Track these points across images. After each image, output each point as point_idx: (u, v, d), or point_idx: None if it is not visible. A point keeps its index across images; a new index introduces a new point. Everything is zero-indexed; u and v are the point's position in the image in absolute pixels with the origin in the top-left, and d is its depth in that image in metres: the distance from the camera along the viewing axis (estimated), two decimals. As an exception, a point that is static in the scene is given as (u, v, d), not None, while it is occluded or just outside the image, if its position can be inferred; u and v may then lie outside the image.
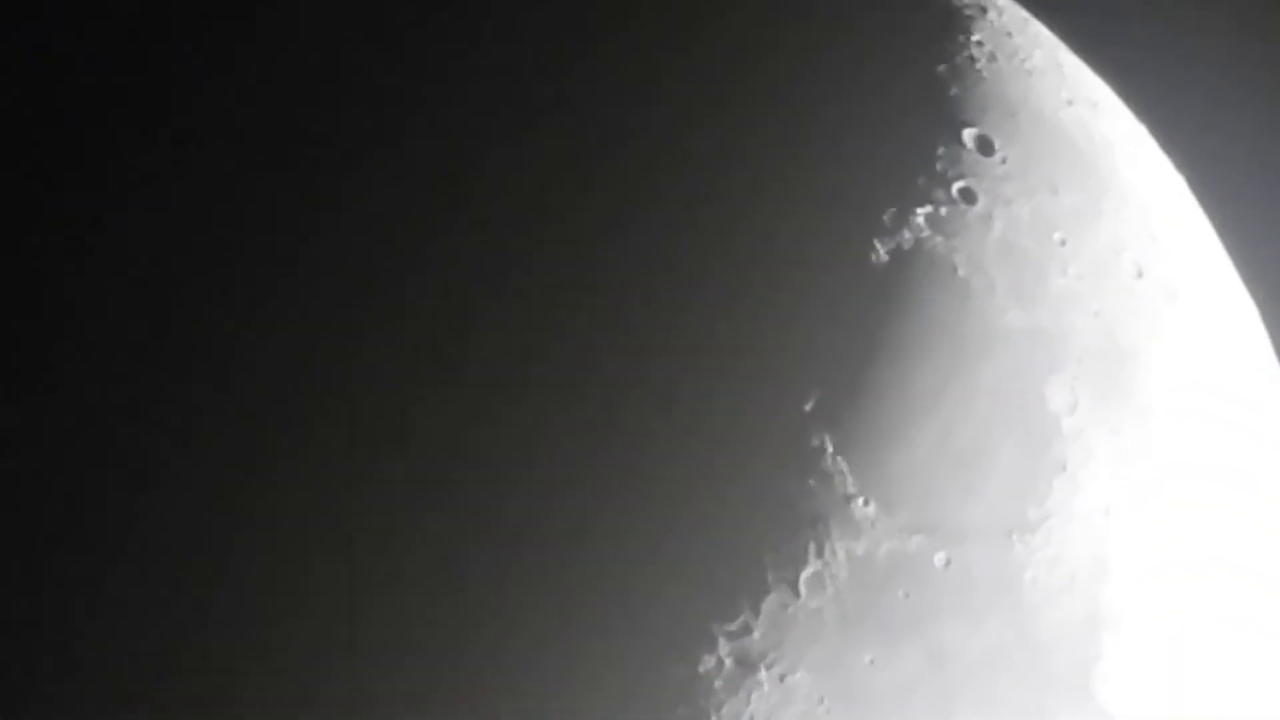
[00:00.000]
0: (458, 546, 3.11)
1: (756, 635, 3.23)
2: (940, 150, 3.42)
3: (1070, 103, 3.74)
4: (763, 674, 3.22)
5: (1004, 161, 3.48)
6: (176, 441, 3.30)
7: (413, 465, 3.15)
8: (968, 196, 3.39)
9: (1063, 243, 3.48)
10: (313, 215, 3.41)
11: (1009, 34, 3.73)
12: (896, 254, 3.32)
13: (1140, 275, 3.59)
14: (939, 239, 3.34)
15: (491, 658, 3.10)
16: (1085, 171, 3.67)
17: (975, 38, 3.62)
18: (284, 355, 3.31)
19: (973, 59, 3.59)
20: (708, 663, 3.17)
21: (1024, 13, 3.78)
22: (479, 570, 3.10)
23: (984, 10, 3.73)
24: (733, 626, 3.19)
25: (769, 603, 3.23)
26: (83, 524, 3.32)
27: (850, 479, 3.26)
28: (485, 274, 3.28)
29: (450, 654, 3.11)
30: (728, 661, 3.20)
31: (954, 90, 3.50)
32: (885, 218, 3.31)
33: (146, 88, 3.72)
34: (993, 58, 3.65)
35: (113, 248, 3.51)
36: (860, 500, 3.26)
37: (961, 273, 3.36)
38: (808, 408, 3.22)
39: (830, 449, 3.23)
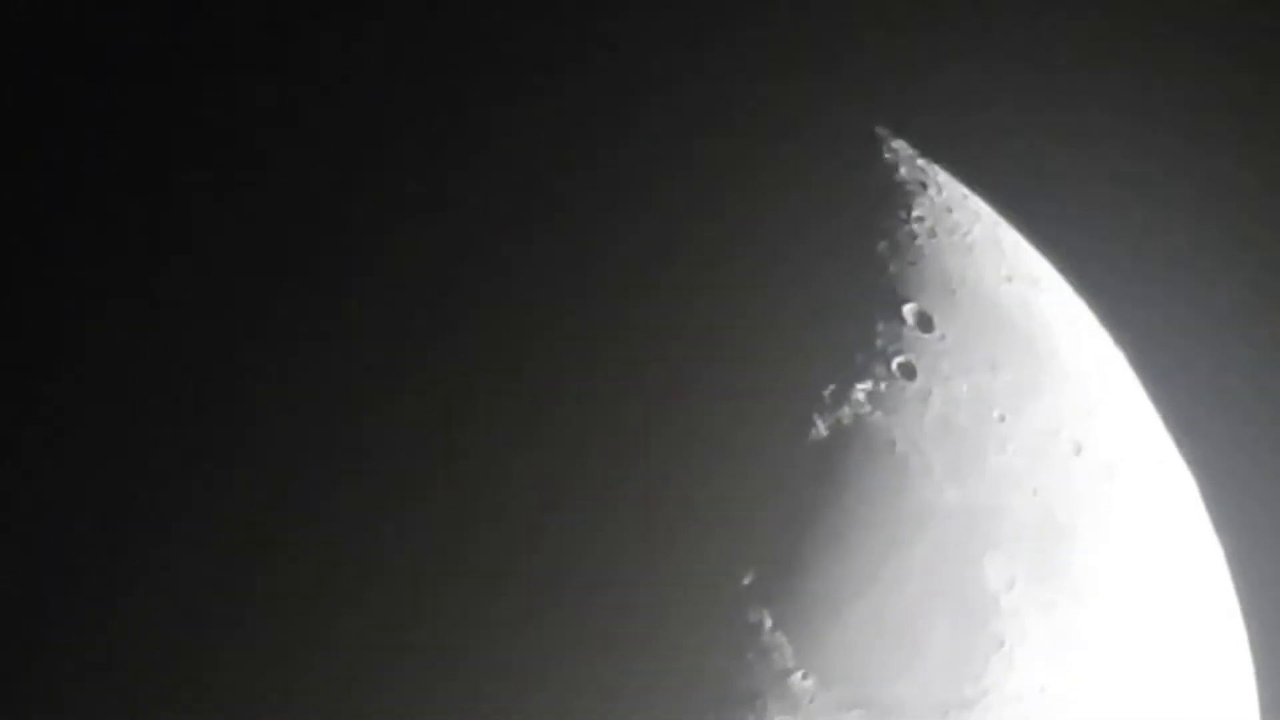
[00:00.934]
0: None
1: None
2: (880, 326, 3.43)
3: (1009, 279, 3.75)
4: None
5: (943, 338, 3.48)
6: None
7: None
8: (907, 372, 3.39)
9: (1001, 419, 3.47)
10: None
11: (949, 209, 3.74)
12: (836, 429, 3.31)
13: (1079, 452, 3.57)
14: (878, 414, 3.33)
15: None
16: (1024, 349, 3.66)
17: (915, 213, 3.64)
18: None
19: (913, 234, 3.61)
20: None
21: (964, 189, 3.80)
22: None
23: (924, 186, 3.75)
24: None
25: None
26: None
27: (790, 653, 3.23)
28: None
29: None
30: None
31: (893, 267, 3.51)
32: (825, 393, 3.30)
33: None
34: (932, 233, 3.66)
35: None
36: (799, 674, 3.23)
37: (900, 449, 3.34)
38: (746, 582, 3.21)
39: (769, 624, 3.21)
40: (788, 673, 3.19)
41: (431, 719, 3.11)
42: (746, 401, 3.27)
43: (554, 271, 3.25)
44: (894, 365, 3.38)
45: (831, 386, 3.31)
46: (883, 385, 3.36)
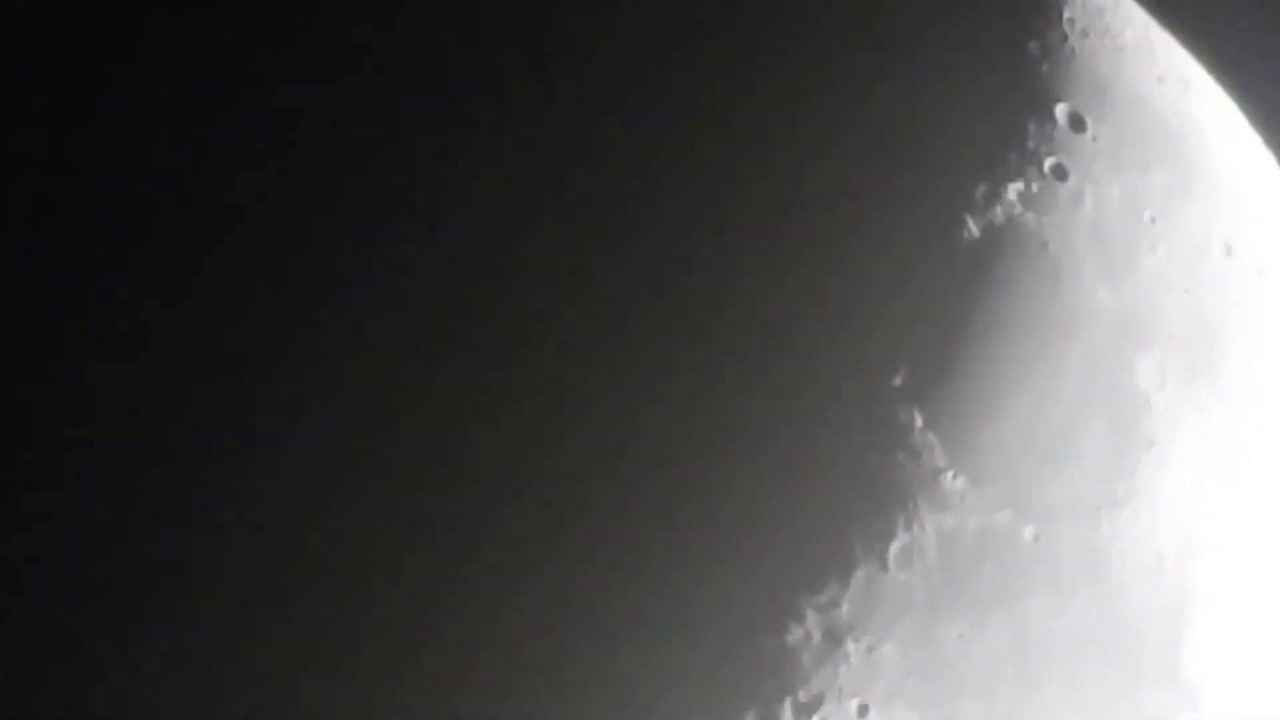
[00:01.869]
0: (546, 534, 3.19)
1: (845, 609, 3.26)
2: (1032, 127, 3.43)
3: (1161, 80, 3.74)
4: (850, 647, 3.24)
5: (1095, 139, 3.48)
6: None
7: (502, 446, 3.23)
8: (1059, 173, 3.39)
9: (1152, 221, 3.49)
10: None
11: (1100, 11, 3.74)
12: (988, 230, 3.33)
13: (1229, 254, 3.60)
14: (1030, 215, 3.35)
15: (586, 630, 3.17)
16: (1175, 151, 3.67)
17: (1067, 15, 3.63)
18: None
19: (1064, 35, 3.59)
20: (796, 635, 3.19)
21: (1114, -8, 3.83)
22: (573, 549, 3.17)
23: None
24: (821, 599, 3.22)
25: (857, 576, 3.26)
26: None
27: (940, 453, 3.27)
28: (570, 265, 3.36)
29: (540, 630, 3.18)
30: (816, 634, 3.23)
31: (1045, 67, 3.50)
32: (977, 194, 3.32)
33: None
34: (1084, 35, 3.64)
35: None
36: (949, 474, 3.27)
37: (1052, 249, 3.36)
38: (898, 382, 3.24)
39: (920, 424, 3.24)
40: (938, 472, 3.23)
41: (584, 519, 3.21)
42: (899, 203, 3.31)
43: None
44: (1046, 166, 3.39)
45: (983, 187, 3.32)
46: (1035, 186, 3.38)
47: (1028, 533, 3.37)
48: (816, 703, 3.30)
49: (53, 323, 3.62)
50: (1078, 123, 3.49)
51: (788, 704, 3.28)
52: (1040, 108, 3.49)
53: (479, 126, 3.43)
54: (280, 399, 3.37)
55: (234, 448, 3.29)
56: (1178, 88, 3.84)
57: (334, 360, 3.35)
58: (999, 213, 3.34)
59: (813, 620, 3.29)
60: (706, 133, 3.37)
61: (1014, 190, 3.34)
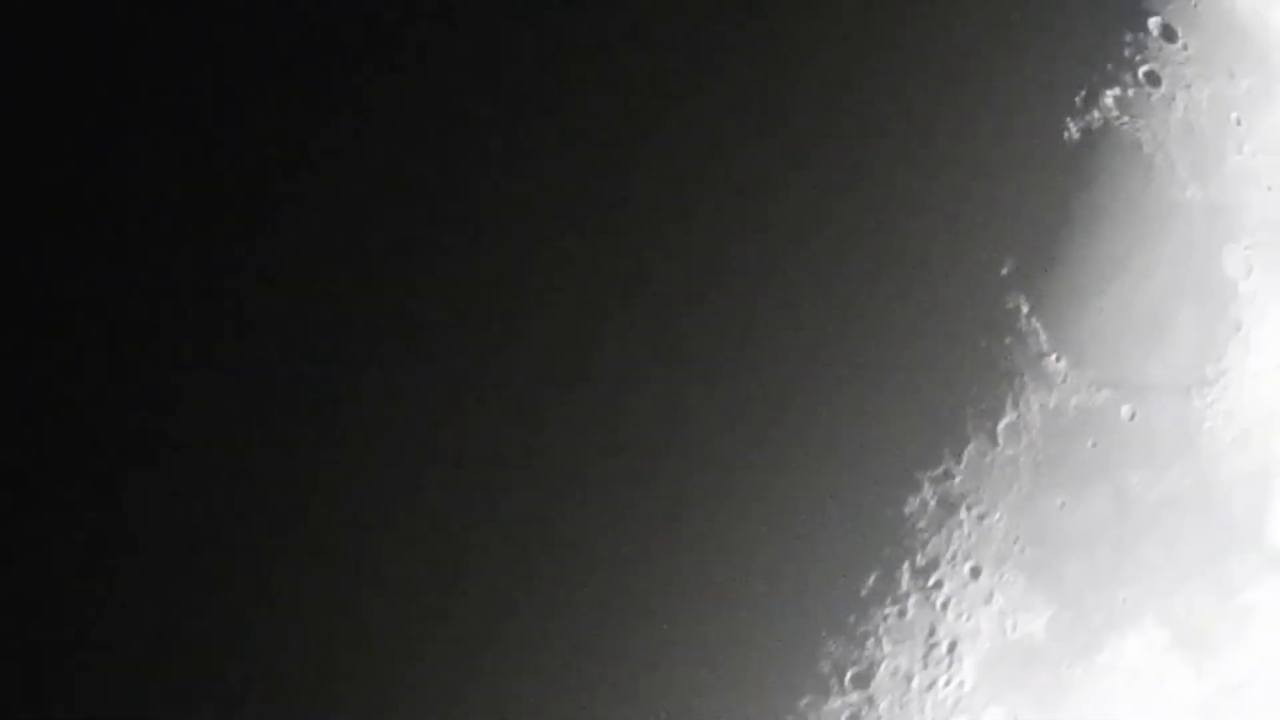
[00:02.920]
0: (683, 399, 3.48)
1: (957, 480, 3.54)
2: (1127, 37, 3.66)
3: None
4: (962, 515, 3.53)
5: (1185, 48, 3.71)
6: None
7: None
8: (1152, 80, 3.63)
9: (1239, 123, 3.72)
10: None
11: None
12: (1087, 133, 3.58)
13: None
14: (1125, 119, 3.60)
15: (714, 499, 3.46)
16: (1260, 58, 3.86)
17: None
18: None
19: None
20: (912, 504, 3.49)
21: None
22: (704, 419, 3.46)
23: None
24: (935, 472, 3.52)
25: (969, 451, 3.54)
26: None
27: (1044, 337, 3.54)
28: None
29: (678, 491, 3.48)
30: (931, 503, 3.52)
31: None
32: (1077, 99, 3.57)
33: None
34: None
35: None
36: (1053, 357, 3.55)
37: (1146, 150, 3.61)
38: (1004, 272, 3.50)
39: (1025, 310, 3.51)
40: (1042, 355, 3.51)
41: (711, 399, 3.51)
42: (1003, 108, 3.58)
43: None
44: (1140, 74, 3.64)
45: (1083, 92, 3.58)
46: (1130, 92, 3.62)
47: (1125, 410, 3.64)
48: (932, 566, 3.59)
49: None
50: (1169, 33, 3.70)
51: (905, 567, 3.57)
52: (1135, 19, 3.71)
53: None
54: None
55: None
56: (1261, 4, 4.05)
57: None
58: (1097, 116, 3.59)
59: (928, 491, 3.57)
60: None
61: (1111, 96, 3.59)
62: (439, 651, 3.56)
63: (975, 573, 3.56)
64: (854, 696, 3.66)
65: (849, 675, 3.55)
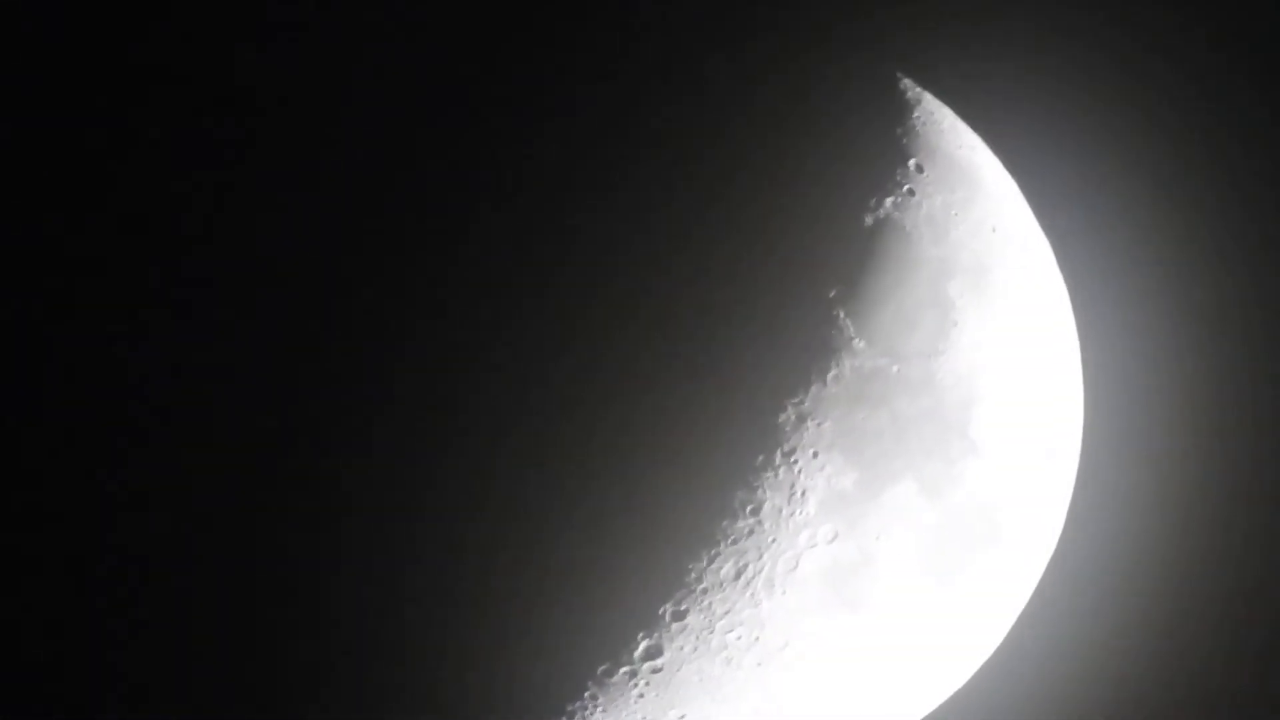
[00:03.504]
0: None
1: (806, 404, 5.46)
2: (898, 170, 5.83)
3: (961, 147, 6.08)
4: (809, 423, 5.50)
5: (927, 175, 5.88)
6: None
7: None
8: (910, 193, 5.78)
9: (955, 213, 5.88)
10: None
11: (932, 112, 6.23)
12: (875, 220, 5.67)
13: (994, 231, 6.06)
14: (896, 213, 5.71)
15: (663, 409, 5.90)
16: (967, 178, 6.06)
17: (914, 114, 6.13)
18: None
19: (914, 125, 6.09)
20: (783, 417, 5.46)
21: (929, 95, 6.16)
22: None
23: (917, 101, 6.23)
24: (795, 400, 5.45)
25: (813, 389, 5.47)
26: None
27: (852, 329, 5.51)
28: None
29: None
30: (793, 417, 5.44)
31: (904, 140, 5.94)
32: (870, 202, 5.68)
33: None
34: (926, 120, 6.14)
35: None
36: (857, 340, 5.52)
37: (908, 229, 5.65)
38: (831, 294, 5.50)
39: (843, 315, 5.48)
40: (852, 339, 5.51)
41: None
42: (833, 206, 6.08)
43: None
44: (904, 189, 5.70)
45: (874, 199, 5.82)
46: (899, 198, 5.64)
47: (895, 368, 5.61)
48: (792, 450, 5.48)
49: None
50: (919, 167, 5.87)
51: (779, 451, 5.46)
52: (903, 159, 5.88)
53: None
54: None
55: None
56: (969, 152, 6.17)
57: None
58: (881, 211, 5.69)
59: (790, 411, 5.48)
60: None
61: (889, 200, 5.73)
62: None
63: (815, 455, 5.55)
64: (751, 520, 5.46)
65: (748, 509, 5.50)
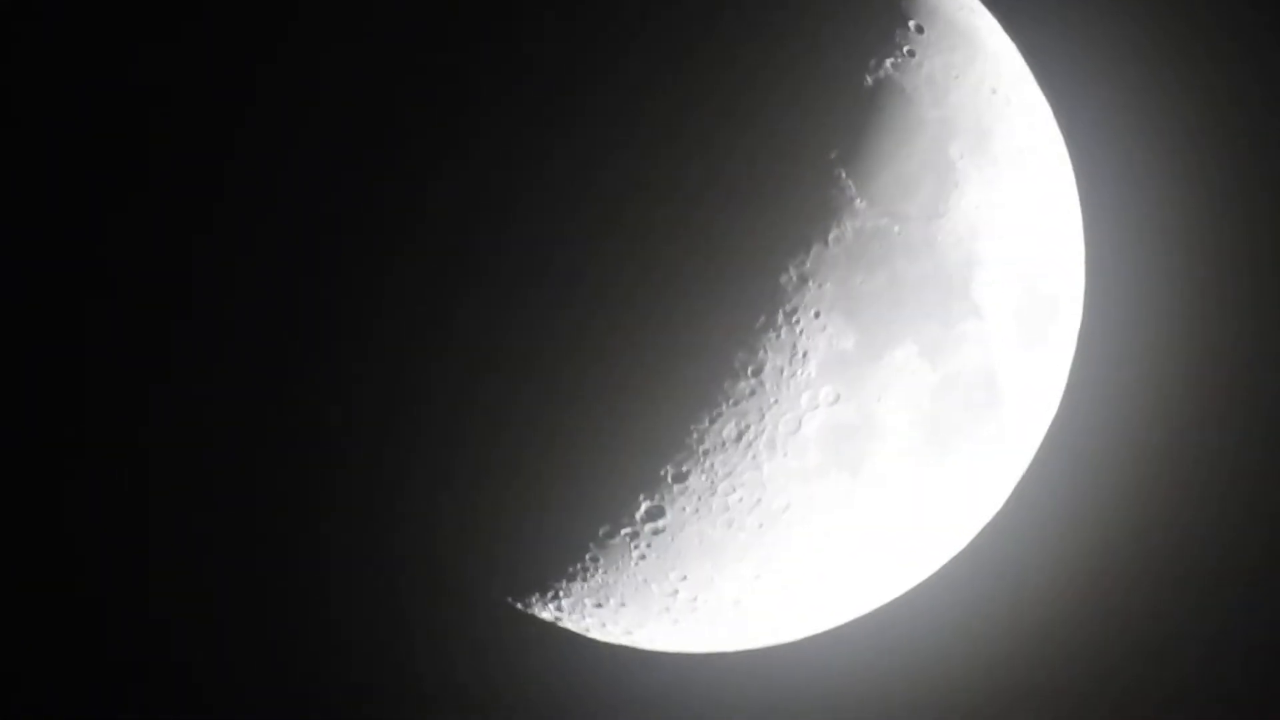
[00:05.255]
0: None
1: (808, 265, 5.54)
2: (897, 30, 5.87)
3: (961, 8, 6.14)
4: (810, 284, 5.58)
5: (927, 36, 5.85)
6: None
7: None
8: (910, 54, 5.81)
9: (955, 76, 5.91)
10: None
11: None
12: (875, 80, 5.66)
13: (994, 92, 6.07)
14: (896, 74, 5.76)
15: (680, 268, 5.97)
16: (968, 40, 6.04)
17: None
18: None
19: None
20: (786, 278, 5.54)
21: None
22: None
23: None
24: (797, 260, 5.52)
25: (814, 249, 5.55)
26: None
27: (854, 189, 5.58)
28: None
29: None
30: (795, 278, 5.55)
31: (905, 5, 6.01)
32: (871, 62, 5.74)
33: None
34: None
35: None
36: (858, 200, 5.59)
37: (907, 90, 5.76)
38: (832, 156, 5.59)
39: (844, 175, 5.55)
40: (853, 199, 5.58)
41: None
42: (832, 66, 6.06)
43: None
44: (904, 50, 6.06)
45: (873, 60, 5.94)
46: (899, 59, 5.75)
47: (896, 229, 5.65)
48: (794, 310, 5.54)
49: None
50: (919, 28, 5.91)
51: (780, 312, 5.53)
52: (902, 20, 5.92)
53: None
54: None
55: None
56: (968, 14, 6.17)
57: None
58: (881, 72, 5.74)
59: (793, 271, 5.55)
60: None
61: (889, 61, 5.77)
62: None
63: (818, 315, 5.59)
64: (753, 381, 5.58)
65: (749, 369, 5.57)
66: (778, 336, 5.65)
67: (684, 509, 5.87)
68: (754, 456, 5.84)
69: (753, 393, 5.68)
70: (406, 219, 5.80)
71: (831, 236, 5.66)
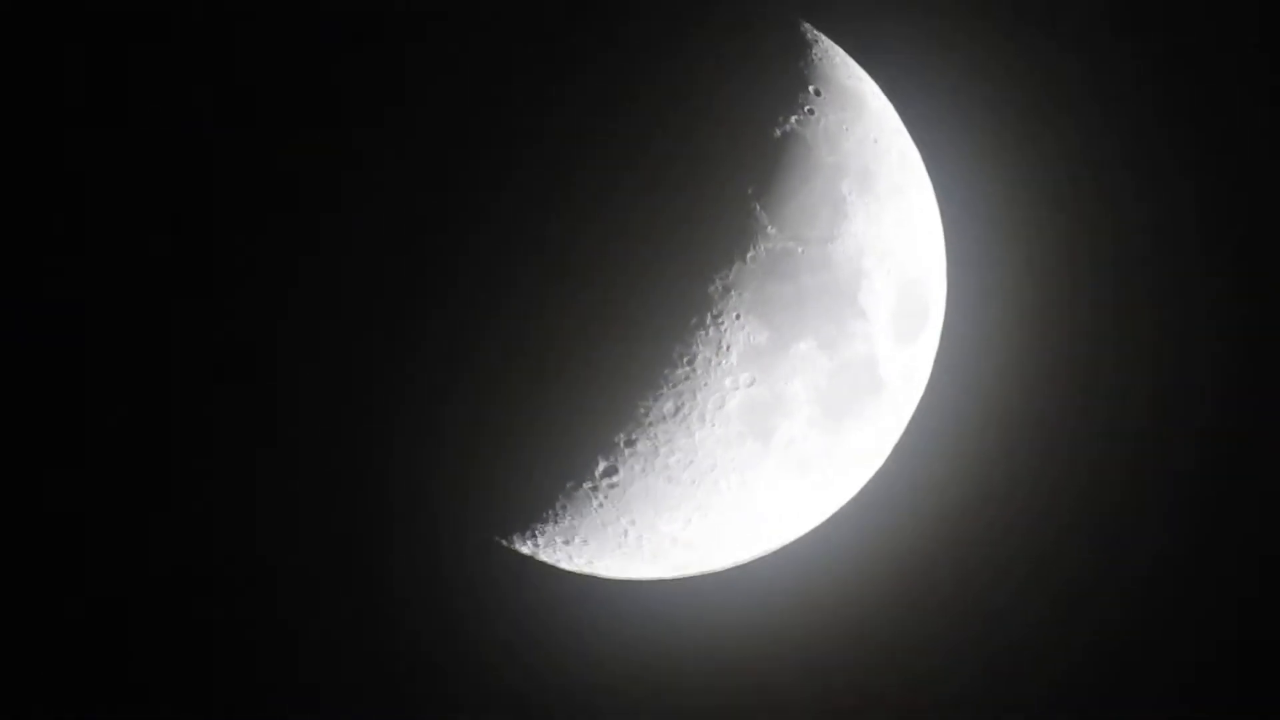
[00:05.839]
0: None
1: (730, 278, 6.34)
2: (799, 94, 6.74)
3: (850, 77, 7.07)
4: (732, 294, 6.47)
5: (824, 98, 6.84)
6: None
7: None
8: (810, 111, 6.73)
9: (846, 129, 6.83)
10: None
11: (827, 50, 7.29)
12: (783, 132, 6.60)
13: (875, 142, 7.11)
14: (799, 128, 6.64)
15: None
16: (855, 100, 7.05)
17: (813, 51, 7.04)
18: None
19: (812, 56, 7.20)
20: (712, 287, 6.56)
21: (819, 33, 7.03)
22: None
23: (815, 41, 7.35)
24: (720, 273, 6.35)
25: (734, 267, 6.35)
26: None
27: (765, 218, 6.38)
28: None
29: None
30: (720, 288, 6.47)
31: (804, 70, 6.89)
32: (779, 118, 6.60)
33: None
34: (823, 56, 7.09)
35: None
36: (769, 227, 6.37)
37: (808, 141, 6.66)
38: (749, 191, 6.38)
39: (759, 208, 6.36)
40: (766, 226, 6.36)
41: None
42: (750, 121, 7.49)
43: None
44: (805, 108, 6.78)
45: (780, 116, 7.27)
46: (801, 116, 6.83)
47: (799, 250, 6.43)
48: (719, 314, 6.32)
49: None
50: (817, 92, 6.79)
51: (709, 315, 6.28)
52: (804, 86, 6.81)
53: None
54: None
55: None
56: (856, 81, 7.10)
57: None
58: (787, 126, 6.61)
59: (719, 281, 6.33)
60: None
61: (793, 118, 6.62)
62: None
63: (738, 317, 6.36)
64: (687, 368, 6.36)
65: (685, 359, 6.37)
66: (707, 334, 6.47)
67: (633, 468, 6.72)
68: (688, 427, 6.66)
69: (687, 377, 6.49)
70: (402, 227, 6.68)
71: (749, 255, 6.50)
